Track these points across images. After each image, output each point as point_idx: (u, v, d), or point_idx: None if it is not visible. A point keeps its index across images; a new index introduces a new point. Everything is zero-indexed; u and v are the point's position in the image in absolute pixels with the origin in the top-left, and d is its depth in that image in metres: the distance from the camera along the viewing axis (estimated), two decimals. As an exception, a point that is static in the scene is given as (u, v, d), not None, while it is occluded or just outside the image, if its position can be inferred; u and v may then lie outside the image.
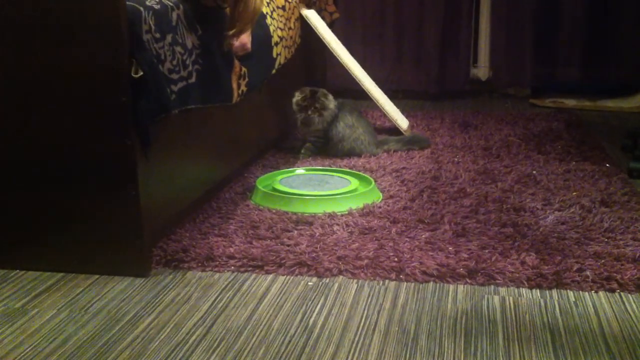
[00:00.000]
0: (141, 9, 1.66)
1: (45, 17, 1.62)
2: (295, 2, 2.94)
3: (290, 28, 2.84)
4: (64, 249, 1.75)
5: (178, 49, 1.83)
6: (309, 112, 2.68)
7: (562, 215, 2.01)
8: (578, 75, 3.83)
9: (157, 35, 1.72)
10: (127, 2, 1.62)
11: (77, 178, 1.70)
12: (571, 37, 3.82)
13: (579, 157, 2.62)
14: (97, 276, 1.72)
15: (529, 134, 3.00)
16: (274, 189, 2.24)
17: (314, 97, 2.69)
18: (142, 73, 1.62)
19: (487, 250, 1.79)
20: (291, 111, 2.74)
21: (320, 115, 2.68)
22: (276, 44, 2.62)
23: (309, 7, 3.09)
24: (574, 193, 2.20)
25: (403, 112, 3.22)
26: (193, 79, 1.91)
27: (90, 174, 1.69)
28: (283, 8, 2.76)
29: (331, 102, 2.71)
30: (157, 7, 1.75)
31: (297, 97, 2.72)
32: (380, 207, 2.11)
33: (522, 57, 3.87)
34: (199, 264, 1.77)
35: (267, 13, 2.55)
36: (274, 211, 2.09)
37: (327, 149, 2.73)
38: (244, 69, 2.25)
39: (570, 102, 3.67)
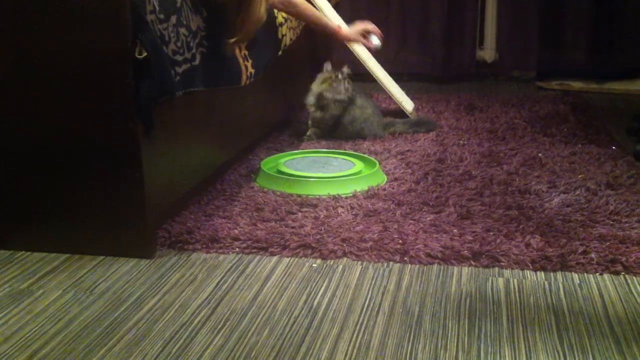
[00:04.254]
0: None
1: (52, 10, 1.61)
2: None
3: (295, 9, 2.81)
4: (70, 230, 1.75)
5: (182, 30, 1.82)
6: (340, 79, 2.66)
7: (568, 198, 2.01)
8: (584, 58, 3.80)
9: (162, 16, 1.71)
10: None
11: (82, 160, 1.70)
12: (578, 20, 3.79)
13: (585, 140, 2.61)
14: (102, 257, 1.73)
15: (535, 116, 2.99)
16: (279, 171, 2.23)
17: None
18: (145, 54, 1.61)
19: (491, 233, 1.79)
20: (296, 92, 2.72)
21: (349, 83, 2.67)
22: (281, 24, 2.61)
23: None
24: (580, 176, 2.20)
25: (408, 94, 3.20)
26: (197, 62, 1.90)
27: (94, 156, 1.69)
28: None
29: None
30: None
31: (325, 75, 2.70)
32: (384, 190, 2.11)
33: (528, 39, 3.85)
34: (204, 246, 1.78)
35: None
36: (278, 193, 2.09)
37: (334, 132, 2.72)
38: (244, 50, 2.24)
39: (577, 85, 3.66)
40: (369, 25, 2.40)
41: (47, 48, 1.63)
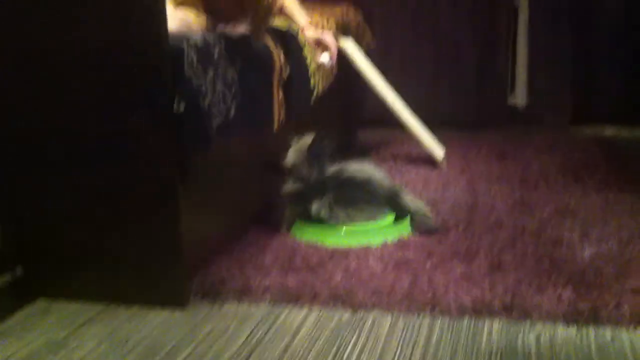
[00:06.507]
0: (184, 46, 1.71)
1: (96, 70, 1.70)
2: (333, 31, 2.97)
3: (327, 59, 2.87)
4: (105, 280, 1.79)
5: (219, 83, 1.87)
6: None
7: (600, 249, 1.99)
8: (617, 103, 3.78)
9: (199, 71, 1.76)
10: (171, 42, 1.67)
11: (119, 209, 1.75)
12: (610, 65, 3.78)
13: (617, 188, 2.59)
14: (137, 307, 1.76)
15: (567, 163, 2.98)
16: (310, 221, 2.25)
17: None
18: (184, 108, 1.67)
19: (523, 285, 1.78)
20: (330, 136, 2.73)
21: None
22: (313, 73, 2.66)
23: (345, 35, 3.11)
24: (613, 226, 2.18)
25: (439, 141, 3.21)
26: (232, 113, 1.94)
27: (131, 206, 1.74)
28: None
29: None
30: (200, 43, 1.80)
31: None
32: (415, 239, 2.11)
33: (560, 84, 3.84)
34: (236, 296, 1.80)
35: (304, 44, 2.59)
36: (309, 243, 2.11)
37: None
38: (281, 94, 2.29)
39: (609, 131, 3.64)
40: (329, 40, 2.38)
41: (94, 103, 1.71)
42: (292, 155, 2.27)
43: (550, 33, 3.82)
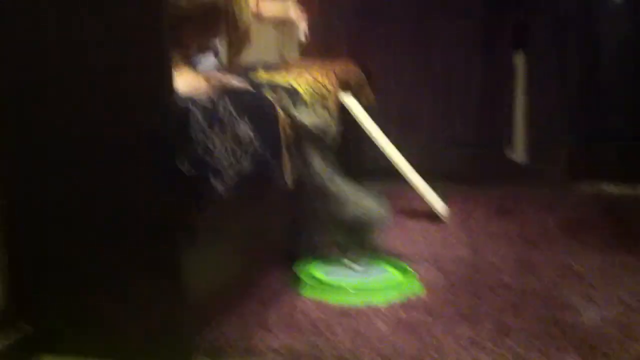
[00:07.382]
0: (190, 106, 1.72)
1: (101, 129, 1.70)
2: (334, 88, 3.00)
3: (330, 114, 2.89)
4: (107, 336, 1.78)
5: (227, 140, 1.88)
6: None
7: (604, 312, 1.99)
8: (618, 159, 3.80)
9: (206, 129, 1.77)
10: (177, 103, 1.69)
11: (120, 266, 1.74)
12: (611, 123, 3.81)
13: (619, 249, 2.60)
14: (141, 365, 1.74)
15: (567, 221, 2.98)
16: (314, 278, 2.24)
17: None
18: (190, 168, 1.67)
19: (529, 350, 1.77)
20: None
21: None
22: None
23: (345, 90, 3.14)
24: (617, 288, 2.18)
25: (438, 195, 3.21)
26: (242, 168, 1.94)
27: (133, 262, 1.74)
28: (322, 96, 2.82)
29: None
30: (206, 102, 1.81)
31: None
32: (420, 300, 2.11)
33: (559, 140, 3.87)
34: (240, 356, 1.78)
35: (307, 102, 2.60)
36: (315, 301, 2.10)
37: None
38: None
39: (609, 188, 3.65)
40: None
41: (100, 166, 1.71)
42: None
43: (549, 88, 3.87)
